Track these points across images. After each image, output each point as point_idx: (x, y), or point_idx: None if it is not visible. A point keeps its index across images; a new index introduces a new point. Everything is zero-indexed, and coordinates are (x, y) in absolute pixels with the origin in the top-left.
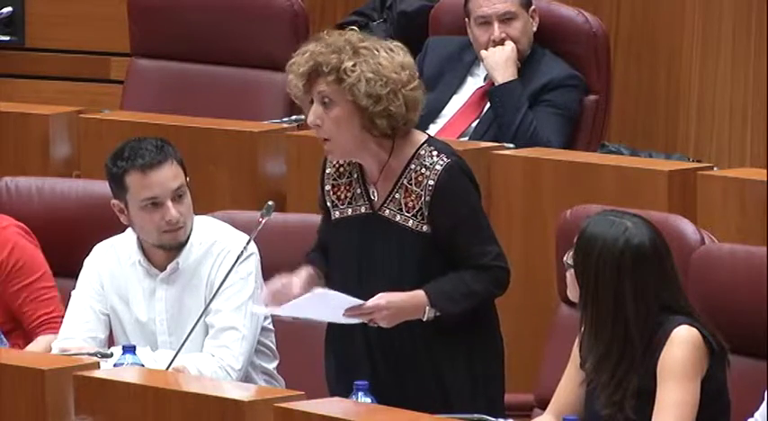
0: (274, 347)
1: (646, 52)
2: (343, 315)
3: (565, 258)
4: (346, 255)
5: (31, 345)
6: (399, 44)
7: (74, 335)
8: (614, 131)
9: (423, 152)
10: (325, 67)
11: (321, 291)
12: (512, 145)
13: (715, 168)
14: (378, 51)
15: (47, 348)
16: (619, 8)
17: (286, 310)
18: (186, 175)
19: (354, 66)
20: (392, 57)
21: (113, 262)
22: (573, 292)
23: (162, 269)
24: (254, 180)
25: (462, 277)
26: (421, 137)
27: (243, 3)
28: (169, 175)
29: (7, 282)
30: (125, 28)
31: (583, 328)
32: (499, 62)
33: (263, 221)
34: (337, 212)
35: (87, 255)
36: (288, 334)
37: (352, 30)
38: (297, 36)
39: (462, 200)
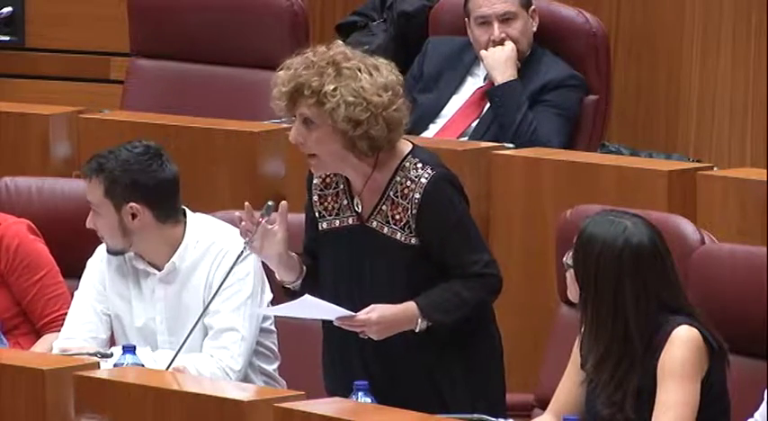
0: (276, 349)
1: (646, 52)
2: (335, 324)
3: (565, 258)
4: (337, 265)
5: (36, 345)
6: (385, 61)
7: (75, 336)
8: (614, 131)
9: (407, 164)
10: (307, 90)
11: (312, 299)
12: (512, 145)
13: (715, 168)
14: (360, 72)
15: (51, 348)
16: (619, 8)
17: (278, 310)
18: (117, 203)
19: (335, 90)
20: (375, 78)
21: (114, 262)
22: (573, 292)
23: (159, 269)
24: (253, 180)
25: (453, 287)
26: (405, 147)
27: (243, 3)
28: (89, 189)
29: (17, 277)
30: (125, 28)
31: (583, 328)
32: (499, 62)
33: (263, 221)
34: (325, 223)
35: (86, 254)
36: (289, 335)
37: (340, 42)
38: (297, 36)
39: (449, 211)
